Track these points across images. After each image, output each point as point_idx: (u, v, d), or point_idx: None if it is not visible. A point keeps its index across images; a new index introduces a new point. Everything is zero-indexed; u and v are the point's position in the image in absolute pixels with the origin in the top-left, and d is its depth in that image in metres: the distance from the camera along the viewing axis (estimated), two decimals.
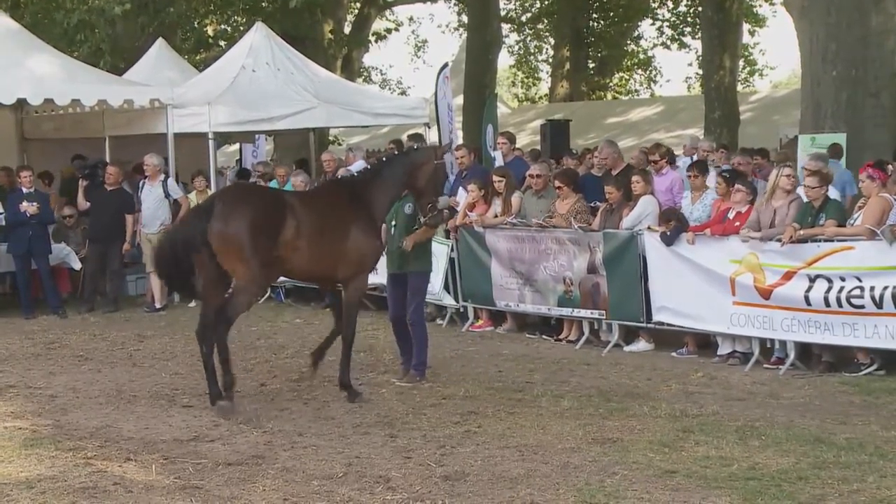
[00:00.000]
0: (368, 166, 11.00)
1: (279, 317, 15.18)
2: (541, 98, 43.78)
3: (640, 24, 39.17)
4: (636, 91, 41.77)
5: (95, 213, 16.05)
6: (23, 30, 17.89)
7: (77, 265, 16.28)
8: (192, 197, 16.21)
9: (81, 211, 16.52)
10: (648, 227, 12.09)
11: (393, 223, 10.85)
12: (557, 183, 13.23)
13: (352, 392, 10.09)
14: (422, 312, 11.18)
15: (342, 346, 10.20)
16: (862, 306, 10.45)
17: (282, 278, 16.18)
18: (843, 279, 10.59)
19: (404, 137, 21.65)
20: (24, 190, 15.47)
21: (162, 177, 16.10)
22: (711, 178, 12.83)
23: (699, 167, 12.90)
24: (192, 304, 16.11)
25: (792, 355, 11.07)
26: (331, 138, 30.58)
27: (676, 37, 37.76)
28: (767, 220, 11.29)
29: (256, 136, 20.01)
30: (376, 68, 43.37)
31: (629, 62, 40.71)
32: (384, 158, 10.69)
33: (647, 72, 41.65)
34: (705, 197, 12.50)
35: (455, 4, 39.95)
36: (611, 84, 40.61)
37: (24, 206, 15.23)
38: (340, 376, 10.18)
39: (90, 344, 13.29)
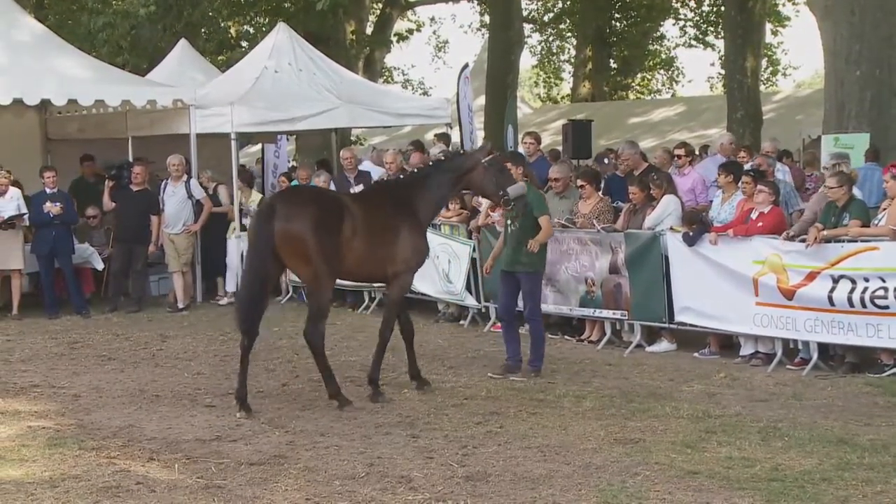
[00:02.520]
0: (415, 170, 11.16)
1: (301, 317, 14.98)
2: (563, 98, 43.71)
3: (662, 23, 39.05)
4: (658, 91, 41.65)
5: (121, 214, 16.12)
6: (47, 31, 17.98)
7: (100, 265, 16.36)
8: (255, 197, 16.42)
9: (106, 211, 16.59)
10: (671, 228, 12.07)
11: (509, 223, 11.15)
12: (580, 182, 13.22)
13: (376, 391, 10.12)
14: (538, 312, 11.36)
15: (378, 342, 10.31)
16: (886, 307, 10.40)
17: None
18: (866, 280, 10.54)
19: (430, 136, 21.67)
20: (48, 190, 15.55)
21: (185, 178, 16.17)
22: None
23: (727, 167, 12.83)
24: (224, 301, 16.19)
25: (815, 356, 11.02)
26: (353, 138, 30.60)
27: (699, 36, 37.63)
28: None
29: (278, 136, 20.05)
30: (398, 68, 43.43)
31: (651, 62, 40.59)
32: (431, 163, 10.89)
33: (670, 72, 41.53)
34: (734, 198, 12.44)
35: (477, 4, 39.93)
36: (633, 84, 40.50)
37: (48, 206, 15.31)
38: (370, 372, 10.25)
39: (113, 344, 13.35)
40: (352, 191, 14.43)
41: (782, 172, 13.42)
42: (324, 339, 9.82)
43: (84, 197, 16.79)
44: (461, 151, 11.03)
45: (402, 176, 11.19)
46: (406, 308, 10.64)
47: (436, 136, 19.13)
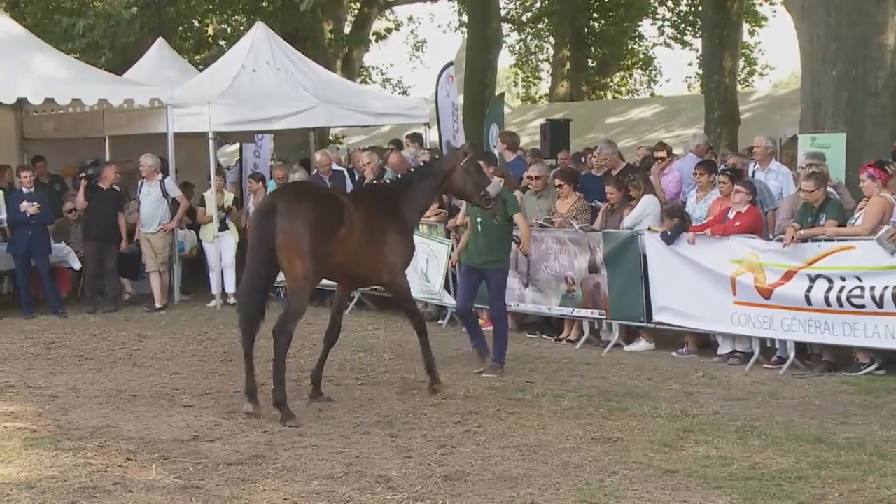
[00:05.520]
0: (399, 175, 11.32)
1: None
2: (541, 97, 43.71)
3: (640, 23, 39.11)
4: (636, 91, 41.71)
5: (92, 213, 16.03)
6: (23, 30, 17.88)
7: (77, 265, 16.27)
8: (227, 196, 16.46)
9: (80, 210, 16.50)
10: (649, 228, 12.10)
11: (478, 219, 11.21)
12: (557, 181, 13.26)
13: (434, 380, 10.32)
14: (504, 308, 11.58)
15: (419, 341, 10.40)
16: (862, 306, 10.46)
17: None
18: (843, 279, 10.60)
19: (403, 137, 21.63)
20: (25, 190, 15.49)
21: (160, 176, 16.12)
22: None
23: (706, 166, 12.88)
24: (212, 303, 16.10)
25: (792, 355, 11.07)
26: (331, 138, 30.55)
27: (677, 36, 37.72)
28: None
29: (259, 135, 20.00)
30: (376, 68, 43.32)
31: (629, 62, 40.65)
32: (412, 169, 11.05)
33: (648, 71, 41.60)
34: (709, 197, 12.48)
35: (456, 4, 39.88)
36: (611, 83, 40.54)
37: (25, 205, 15.25)
38: (426, 366, 10.40)
39: (90, 344, 13.30)
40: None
41: (776, 174, 13.34)
42: (290, 342, 9.65)
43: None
44: (437, 156, 11.16)
45: (388, 180, 11.40)
46: (343, 310, 10.74)
47: (407, 136, 19.08)
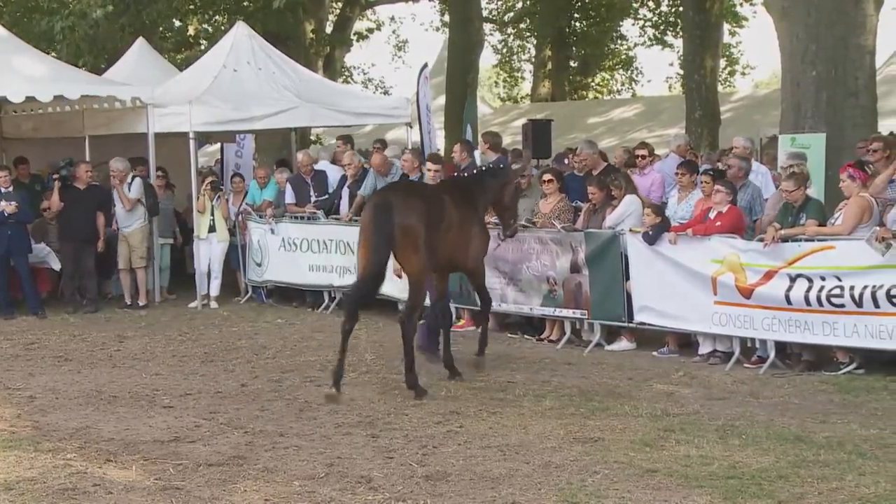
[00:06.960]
0: (475, 171, 11.99)
1: (261, 317, 15.15)
2: (523, 98, 43.73)
3: (621, 23, 39.20)
4: (618, 91, 41.80)
5: (69, 213, 15.89)
6: (3, 30, 17.77)
7: (57, 265, 16.17)
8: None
9: (56, 211, 16.31)
10: (630, 230, 12.11)
11: None
12: (547, 177, 13.28)
13: (482, 353, 11.16)
14: None
15: (481, 328, 11.47)
16: (842, 305, 10.51)
17: (265, 277, 16.28)
18: (823, 278, 10.64)
19: (390, 135, 21.55)
20: (3, 189, 15.38)
21: (130, 178, 16.05)
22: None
23: (687, 166, 12.90)
24: (194, 303, 16.04)
25: (772, 354, 11.10)
26: (312, 138, 30.49)
27: (658, 36, 37.81)
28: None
29: (240, 135, 19.95)
30: (358, 68, 43.24)
31: (611, 62, 40.74)
32: (483, 168, 11.85)
33: (629, 72, 41.70)
34: (691, 197, 12.51)
35: (437, 4, 39.88)
36: (593, 84, 40.62)
37: (3, 205, 15.15)
38: (478, 350, 11.23)
39: (70, 344, 13.24)
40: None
41: (755, 174, 13.29)
42: (415, 330, 10.40)
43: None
44: (501, 166, 12.01)
45: (460, 175, 12.12)
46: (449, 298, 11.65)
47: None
